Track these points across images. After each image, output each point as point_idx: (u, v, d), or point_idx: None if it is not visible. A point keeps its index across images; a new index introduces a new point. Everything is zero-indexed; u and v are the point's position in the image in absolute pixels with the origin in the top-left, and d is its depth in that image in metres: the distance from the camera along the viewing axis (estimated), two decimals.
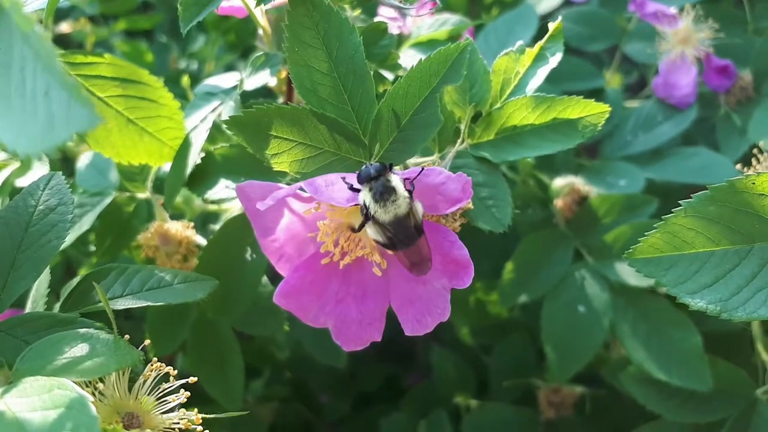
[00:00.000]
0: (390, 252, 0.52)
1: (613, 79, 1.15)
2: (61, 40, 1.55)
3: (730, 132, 0.96)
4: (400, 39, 0.82)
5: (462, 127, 0.60)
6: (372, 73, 0.55)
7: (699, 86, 0.98)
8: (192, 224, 0.73)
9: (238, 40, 1.54)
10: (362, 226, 0.50)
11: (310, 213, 0.55)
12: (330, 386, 1.29)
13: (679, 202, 0.48)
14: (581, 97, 0.57)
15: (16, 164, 0.89)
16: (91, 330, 0.43)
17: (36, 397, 0.36)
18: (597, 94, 1.05)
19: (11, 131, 0.32)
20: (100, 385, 0.42)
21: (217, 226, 0.83)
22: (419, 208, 0.50)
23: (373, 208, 0.49)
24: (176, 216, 0.77)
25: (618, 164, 0.95)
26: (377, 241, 0.51)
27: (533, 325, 0.95)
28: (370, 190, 0.49)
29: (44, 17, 0.59)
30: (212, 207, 0.85)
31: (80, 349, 0.41)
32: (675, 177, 0.93)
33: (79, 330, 0.42)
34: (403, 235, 0.49)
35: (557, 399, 0.98)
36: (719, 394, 0.78)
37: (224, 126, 0.56)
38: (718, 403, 0.78)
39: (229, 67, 1.53)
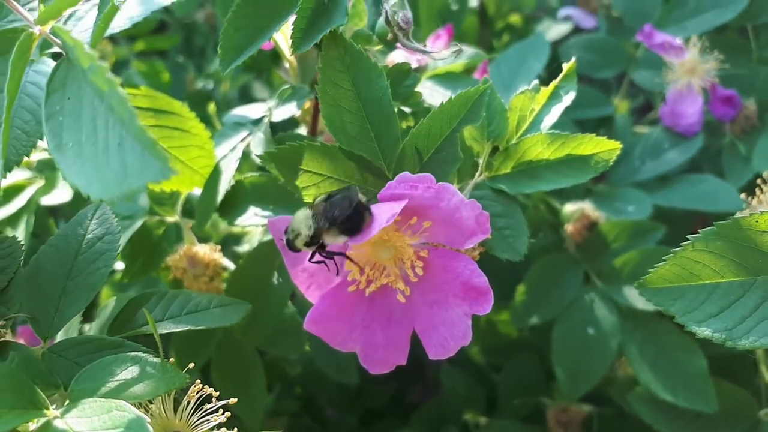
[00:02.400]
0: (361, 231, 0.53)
1: (621, 105, 1.18)
2: None
3: (735, 160, 0.99)
4: (417, 71, 0.86)
5: (480, 161, 0.63)
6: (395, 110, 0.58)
7: (705, 115, 1.01)
8: (219, 247, 0.76)
9: (253, 62, 1.58)
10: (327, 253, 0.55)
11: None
12: (338, 402, 1.31)
13: (687, 237, 0.52)
14: (593, 135, 0.60)
15: (40, 182, 0.92)
16: (140, 353, 0.46)
17: (96, 417, 0.39)
18: (606, 122, 1.08)
19: (84, 177, 0.35)
20: (152, 406, 0.45)
21: (240, 248, 0.87)
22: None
23: (300, 242, 0.54)
24: (203, 239, 0.81)
25: (626, 190, 0.98)
26: (344, 233, 0.53)
27: (542, 344, 0.98)
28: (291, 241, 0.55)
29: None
30: (235, 230, 0.89)
31: (130, 372, 0.44)
32: (681, 203, 0.96)
33: (128, 353, 0.46)
34: (329, 213, 0.53)
35: (566, 418, 1.01)
36: (724, 415, 0.81)
37: (258, 159, 0.60)
38: (722, 423, 0.81)
39: (245, 88, 1.57)
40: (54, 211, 1.12)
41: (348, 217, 0.52)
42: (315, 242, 0.54)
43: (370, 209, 0.53)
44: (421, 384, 1.38)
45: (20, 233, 0.85)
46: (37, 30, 0.44)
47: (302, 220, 0.54)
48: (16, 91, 0.41)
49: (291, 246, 0.55)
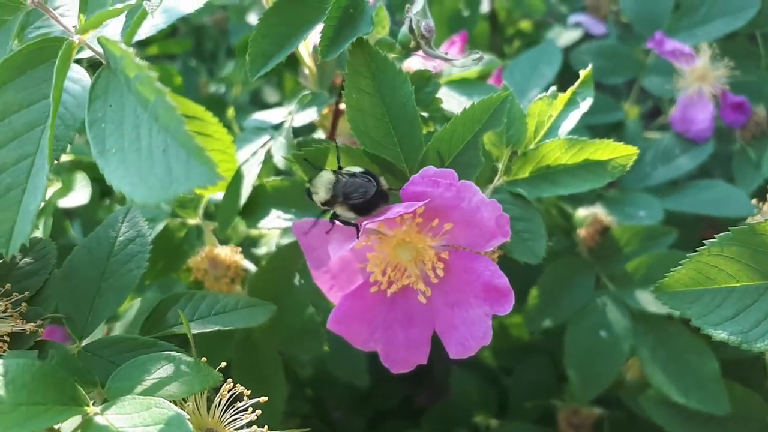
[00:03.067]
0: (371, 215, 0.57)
1: (631, 111, 1.20)
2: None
3: (746, 165, 1.01)
4: (434, 77, 0.87)
5: (499, 165, 0.65)
6: None
7: (715, 121, 1.03)
8: (240, 249, 0.77)
9: None
10: (334, 216, 0.58)
11: (360, 245, 0.59)
12: (348, 404, 1.32)
13: (703, 242, 0.53)
14: (611, 140, 0.62)
15: (58, 185, 0.94)
16: (173, 353, 0.47)
17: (135, 414, 0.40)
18: (618, 128, 1.10)
19: (128, 182, 0.37)
20: (188, 404, 0.46)
21: (258, 251, 0.88)
22: (349, 168, 0.58)
23: (317, 199, 0.57)
24: (223, 241, 0.82)
25: (638, 195, 0.99)
26: (354, 214, 0.57)
27: (553, 347, 0.99)
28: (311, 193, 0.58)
29: None
30: (253, 233, 0.90)
31: (165, 371, 0.45)
32: (692, 208, 0.98)
33: (162, 352, 0.47)
34: (347, 189, 0.56)
35: (577, 420, 1.02)
36: (735, 418, 0.82)
37: (280, 163, 0.61)
38: (733, 426, 0.82)
39: (256, 92, 1.59)
40: (69, 213, 1.14)
41: (361, 202, 0.56)
42: (329, 206, 0.57)
43: (387, 198, 0.56)
44: (430, 387, 1.39)
45: (38, 235, 0.86)
46: (77, 39, 0.46)
47: (324, 183, 0.57)
48: (60, 97, 0.42)
49: (309, 197, 0.58)
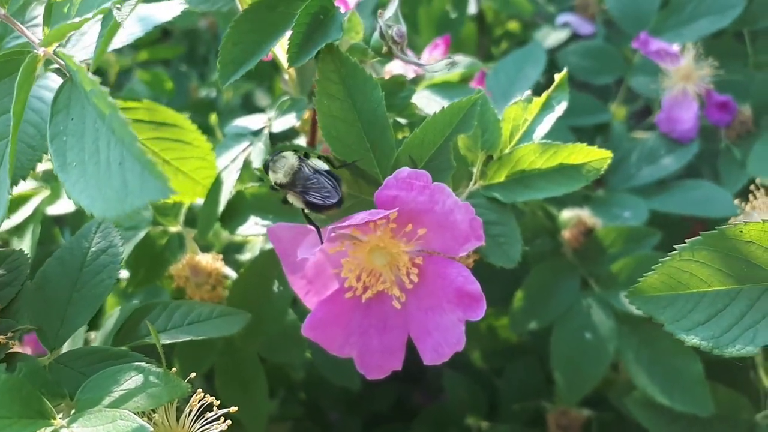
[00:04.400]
0: (322, 214, 0.57)
1: (618, 111, 1.19)
2: None
3: (731, 165, 1.00)
4: (415, 80, 0.87)
5: (474, 170, 0.65)
6: (391, 121, 0.60)
7: (701, 121, 1.02)
8: (221, 256, 0.77)
9: (255, 71, 1.59)
10: (285, 200, 0.58)
11: (334, 251, 0.59)
12: (342, 406, 1.32)
13: (675, 246, 0.53)
14: (584, 144, 0.62)
15: (46, 192, 0.94)
16: (143, 363, 0.47)
17: (100, 426, 0.40)
18: (604, 129, 1.10)
19: (87, 196, 0.37)
20: (156, 415, 0.46)
21: (242, 257, 0.89)
22: (315, 162, 0.58)
23: (272, 177, 0.57)
24: (205, 248, 0.82)
25: (623, 196, 0.99)
26: (305, 208, 0.57)
27: (541, 349, 0.99)
28: (268, 168, 0.58)
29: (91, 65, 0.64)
30: (237, 238, 0.91)
31: (134, 382, 0.45)
32: (677, 209, 0.97)
33: (132, 363, 0.47)
34: (309, 183, 0.56)
35: (565, 421, 1.02)
36: (721, 419, 0.82)
37: (256, 171, 0.61)
38: (719, 426, 0.82)
39: (247, 96, 1.59)
40: (58, 220, 1.14)
41: (318, 204, 0.56)
42: (281, 188, 0.57)
43: (341, 199, 0.56)
44: (423, 388, 1.39)
45: (26, 243, 0.86)
46: (41, 51, 0.46)
47: (285, 167, 0.57)
48: (22, 112, 0.42)
49: (266, 171, 0.58)
